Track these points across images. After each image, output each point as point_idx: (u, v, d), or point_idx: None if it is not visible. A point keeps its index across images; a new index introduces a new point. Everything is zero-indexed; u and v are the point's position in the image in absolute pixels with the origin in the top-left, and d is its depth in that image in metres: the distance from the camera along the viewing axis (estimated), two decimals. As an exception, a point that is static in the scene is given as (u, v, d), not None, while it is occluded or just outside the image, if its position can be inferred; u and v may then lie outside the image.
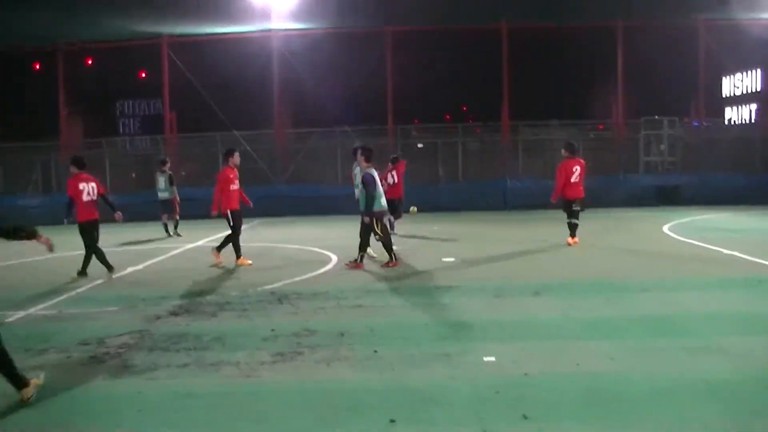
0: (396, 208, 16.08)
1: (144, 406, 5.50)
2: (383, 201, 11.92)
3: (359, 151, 12.21)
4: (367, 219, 11.70)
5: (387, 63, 25.05)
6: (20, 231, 6.12)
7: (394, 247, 12.27)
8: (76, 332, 7.91)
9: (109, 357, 6.89)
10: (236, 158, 13.01)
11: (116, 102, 47.44)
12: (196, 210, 23.64)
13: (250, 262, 12.78)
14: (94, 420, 5.29)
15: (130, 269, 12.55)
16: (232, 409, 5.38)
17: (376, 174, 11.82)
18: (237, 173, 12.91)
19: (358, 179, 13.45)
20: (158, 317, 8.53)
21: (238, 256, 12.83)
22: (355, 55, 26.93)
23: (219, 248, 12.76)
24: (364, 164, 11.95)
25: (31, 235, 6.18)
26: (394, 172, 16.87)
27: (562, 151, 14.82)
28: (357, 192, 13.62)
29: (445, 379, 5.84)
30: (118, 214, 11.94)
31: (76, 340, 7.55)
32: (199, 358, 6.70)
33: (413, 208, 18.23)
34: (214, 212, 12.70)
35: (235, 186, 12.78)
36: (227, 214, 12.68)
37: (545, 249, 14.01)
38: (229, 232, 12.80)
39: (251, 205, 13.46)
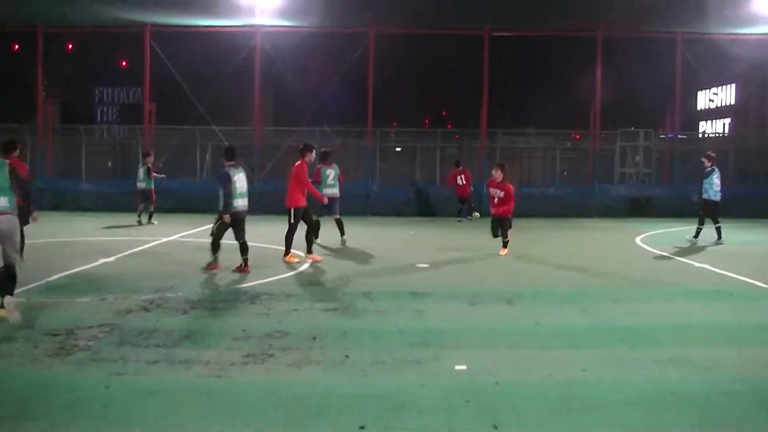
0: (464, 206, 21.95)
1: (111, 400, 5.43)
2: (241, 202, 11.63)
3: (228, 152, 11.93)
4: (226, 217, 11.43)
5: (369, 64, 25.04)
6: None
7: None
8: (45, 322, 7.81)
9: (78, 349, 6.80)
10: (312, 155, 13.06)
11: (95, 89, 47.05)
12: (172, 203, 23.58)
13: (297, 259, 12.80)
14: (60, 412, 5.21)
15: (101, 261, 12.40)
16: (201, 408, 5.33)
17: (234, 173, 11.47)
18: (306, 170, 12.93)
19: (329, 179, 15.27)
20: (129, 311, 8.44)
21: (287, 252, 12.82)
22: (337, 54, 26.89)
23: (287, 249, 12.81)
24: (226, 163, 11.69)
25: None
26: (462, 176, 21.77)
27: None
28: (336, 190, 15.32)
29: (416, 386, 5.83)
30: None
31: (44, 329, 7.46)
32: (168, 355, 6.63)
33: (476, 214, 21.77)
34: (323, 200, 13.50)
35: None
36: (291, 210, 12.71)
37: (520, 257, 14.06)
38: (288, 228, 12.79)
39: (325, 201, 13.98)
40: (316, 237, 14.72)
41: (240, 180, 11.58)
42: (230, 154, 11.81)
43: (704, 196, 16.29)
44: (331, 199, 15.35)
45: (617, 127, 26.47)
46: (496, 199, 14.11)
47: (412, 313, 8.63)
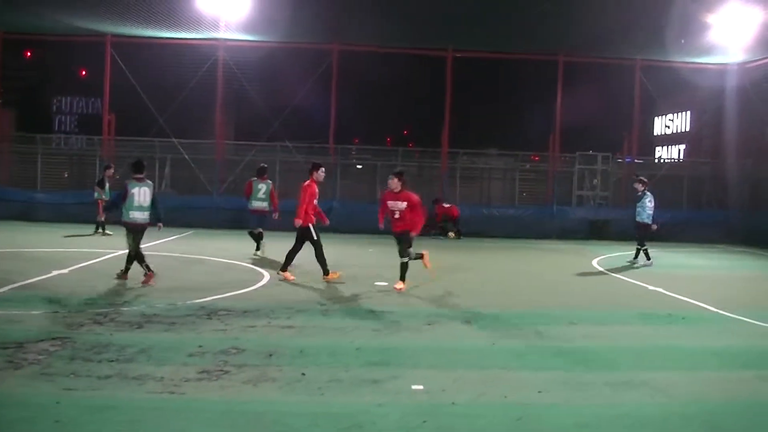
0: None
1: (61, 417, 5.31)
2: (138, 214, 11.72)
3: (135, 166, 12.25)
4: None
5: (332, 81, 25.06)
6: None
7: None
8: (-6, 335, 7.62)
9: (27, 363, 6.64)
10: (321, 173, 13.03)
11: (53, 98, 46.30)
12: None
13: (338, 274, 12.83)
14: (8, 428, 5.09)
15: (54, 272, 12.16)
16: (154, 425, 5.24)
17: (133, 186, 11.74)
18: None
19: (260, 193, 16.22)
20: (81, 325, 8.28)
21: (326, 272, 12.73)
22: (300, 70, 26.89)
23: (324, 268, 12.71)
24: (133, 176, 11.98)
25: None
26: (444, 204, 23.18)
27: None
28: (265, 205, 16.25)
29: (373, 406, 5.81)
30: None
31: (-7, 343, 7.28)
32: (122, 370, 6.52)
33: (451, 234, 22.73)
34: (299, 222, 12.51)
35: (316, 201, 12.85)
36: (307, 227, 12.61)
37: (478, 277, 14.14)
38: (291, 248, 12.78)
39: (327, 222, 13.72)
40: (258, 249, 15.89)
41: (140, 194, 11.77)
42: (136, 167, 12.15)
43: (637, 218, 17.05)
44: (262, 212, 16.25)
45: (576, 150, 26.80)
46: (397, 213, 12.05)
47: (369, 331, 8.61)
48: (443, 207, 23.33)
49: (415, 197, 12.13)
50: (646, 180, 17.58)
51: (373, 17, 21.72)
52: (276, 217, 16.38)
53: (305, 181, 12.82)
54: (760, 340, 9.18)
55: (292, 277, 12.62)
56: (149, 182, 12.02)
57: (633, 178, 18.27)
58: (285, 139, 25.73)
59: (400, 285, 11.99)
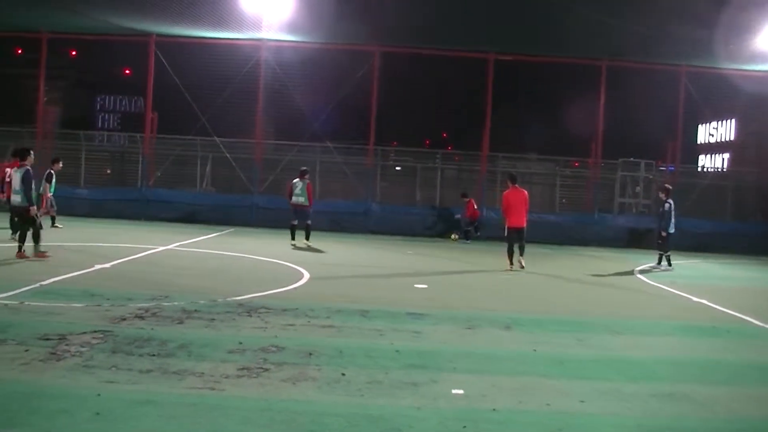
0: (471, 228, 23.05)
1: (101, 409, 5.33)
2: (16, 198, 13.04)
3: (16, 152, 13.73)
4: (33, 209, 12.97)
5: (373, 82, 25.07)
6: None
7: None
8: (37, 326, 7.70)
9: (70, 355, 6.70)
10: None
11: (97, 96, 47.13)
12: (170, 213, 23.54)
13: None
14: (48, 419, 5.10)
15: (97, 266, 12.31)
16: (192, 421, 5.23)
17: (13, 171, 13.21)
18: None
19: (297, 189, 18.34)
20: (123, 318, 8.35)
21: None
22: (341, 71, 26.94)
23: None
24: (27, 162, 13.21)
25: None
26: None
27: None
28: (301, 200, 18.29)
29: (412, 409, 5.74)
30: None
31: (36, 333, 7.35)
32: (162, 365, 6.54)
33: (454, 236, 22.89)
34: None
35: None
36: None
37: (518, 282, 14.00)
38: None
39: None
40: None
41: (14, 178, 13.14)
42: (16, 153, 13.73)
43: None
44: (298, 206, 18.45)
45: (617, 157, 26.45)
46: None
47: (409, 333, 8.54)
48: (472, 207, 23.12)
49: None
50: (670, 187, 17.87)
51: (415, 20, 21.68)
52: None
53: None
54: (807, 356, 8.91)
55: None
56: (24, 168, 13.07)
57: (660, 186, 18.44)
58: (325, 140, 25.80)
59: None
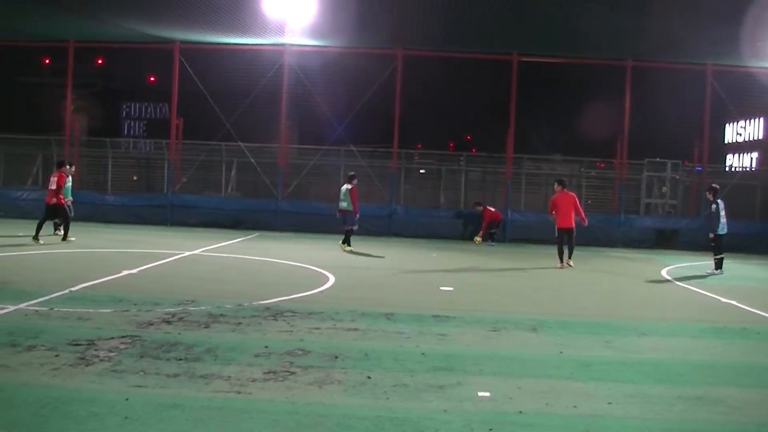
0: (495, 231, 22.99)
1: (130, 413, 5.38)
2: None
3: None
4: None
5: (396, 86, 25.08)
6: None
7: None
8: (67, 331, 7.80)
9: (98, 360, 6.77)
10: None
11: (123, 103, 47.65)
12: (196, 218, 23.76)
13: None
14: (78, 424, 5.16)
15: (125, 272, 12.43)
16: (219, 425, 5.26)
17: None
18: None
19: (341, 194, 18.52)
20: (150, 323, 8.42)
21: None
22: (365, 75, 26.99)
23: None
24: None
25: None
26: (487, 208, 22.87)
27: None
28: (344, 204, 18.39)
29: (439, 412, 5.73)
30: None
31: (65, 339, 7.44)
32: (189, 369, 6.59)
33: (478, 238, 22.77)
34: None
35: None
36: None
37: (543, 283, 13.93)
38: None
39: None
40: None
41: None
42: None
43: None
44: (342, 211, 18.56)
45: (643, 157, 26.21)
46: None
47: (434, 336, 8.53)
48: (489, 211, 22.90)
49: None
50: (716, 187, 17.42)
51: (438, 22, 21.69)
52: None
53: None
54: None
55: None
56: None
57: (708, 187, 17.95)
58: (349, 143, 25.87)
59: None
